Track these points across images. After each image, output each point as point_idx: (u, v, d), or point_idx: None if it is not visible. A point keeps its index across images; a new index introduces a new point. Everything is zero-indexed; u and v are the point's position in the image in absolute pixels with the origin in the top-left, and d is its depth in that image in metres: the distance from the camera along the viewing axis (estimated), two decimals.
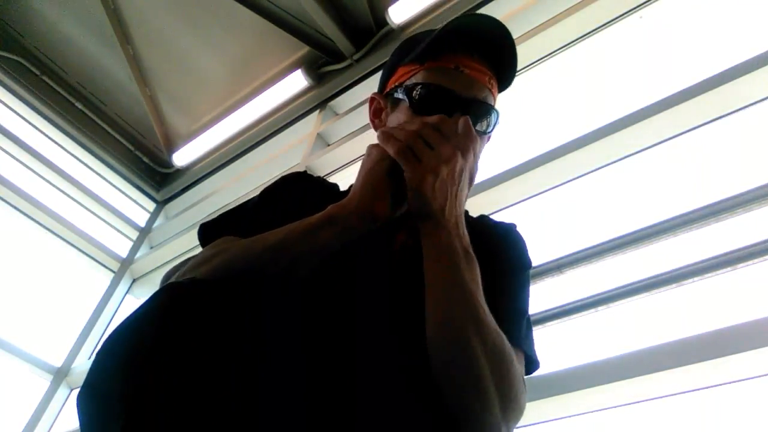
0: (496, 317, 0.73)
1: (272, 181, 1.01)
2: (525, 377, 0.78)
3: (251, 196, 0.98)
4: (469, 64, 0.88)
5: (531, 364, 0.82)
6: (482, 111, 0.88)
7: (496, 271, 0.84)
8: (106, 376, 0.60)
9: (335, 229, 0.74)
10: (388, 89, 0.95)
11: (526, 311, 0.86)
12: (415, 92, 0.88)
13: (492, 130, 0.92)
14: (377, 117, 0.98)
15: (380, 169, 0.76)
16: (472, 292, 0.70)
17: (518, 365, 0.73)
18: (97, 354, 0.62)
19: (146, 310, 0.62)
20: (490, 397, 0.66)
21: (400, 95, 0.91)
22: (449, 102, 0.85)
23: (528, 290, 0.90)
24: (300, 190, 0.95)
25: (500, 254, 0.88)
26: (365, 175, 0.77)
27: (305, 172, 1.05)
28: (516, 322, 0.81)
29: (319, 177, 1.06)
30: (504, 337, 0.71)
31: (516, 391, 0.70)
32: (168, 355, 0.57)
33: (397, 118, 0.91)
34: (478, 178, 0.86)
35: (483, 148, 0.93)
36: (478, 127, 0.88)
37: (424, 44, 0.89)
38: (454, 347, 0.68)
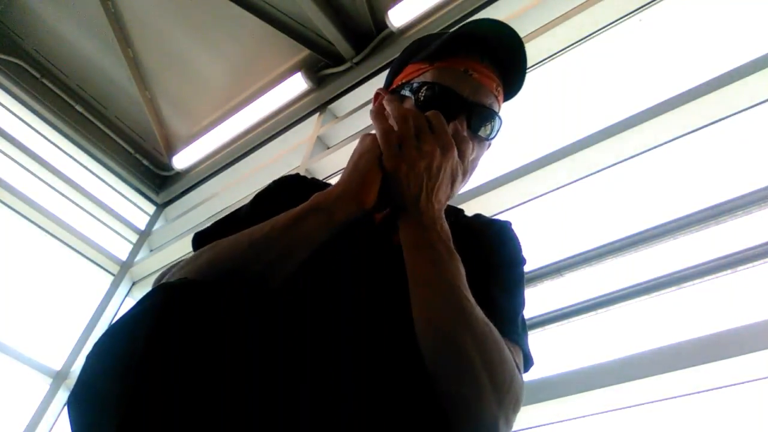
0: (493, 314, 0.72)
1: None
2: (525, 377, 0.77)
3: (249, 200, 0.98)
4: (479, 68, 0.88)
5: (527, 361, 0.82)
6: (486, 116, 0.88)
7: (491, 268, 0.84)
8: (99, 377, 0.59)
9: (321, 216, 0.72)
10: (394, 86, 0.94)
11: (521, 308, 0.86)
12: (421, 91, 0.87)
13: (494, 137, 0.92)
14: None
15: (371, 157, 0.74)
16: (453, 284, 0.69)
17: (510, 354, 0.72)
18: (89, 355, 0.61)
19: (139, 311, 0.61)
20: (483, 388, 0.65)
21: (406, 93, 0.90)
22: (455, 104, 0.85)
23: (522, 287, 0.89)
24: (294, 193, 0.94)
25: (495, 251, 0.88)
26: (354, 162, 0.75)
27: (298, 174, 1.05)
28: (512, 319, 0.81)
29: (313, 178, 1.05)
30: (492, 326, 0.70)
31: (510, 380, 0.69)
32: (162, 356, 0.56)
33: None
34: (479, 180, 0.86)
35: (483, 153, 0.93)
36: (480, 133, 0.88)
37: (436, 43, 0.88)
38: (442, 341, 0.67)
